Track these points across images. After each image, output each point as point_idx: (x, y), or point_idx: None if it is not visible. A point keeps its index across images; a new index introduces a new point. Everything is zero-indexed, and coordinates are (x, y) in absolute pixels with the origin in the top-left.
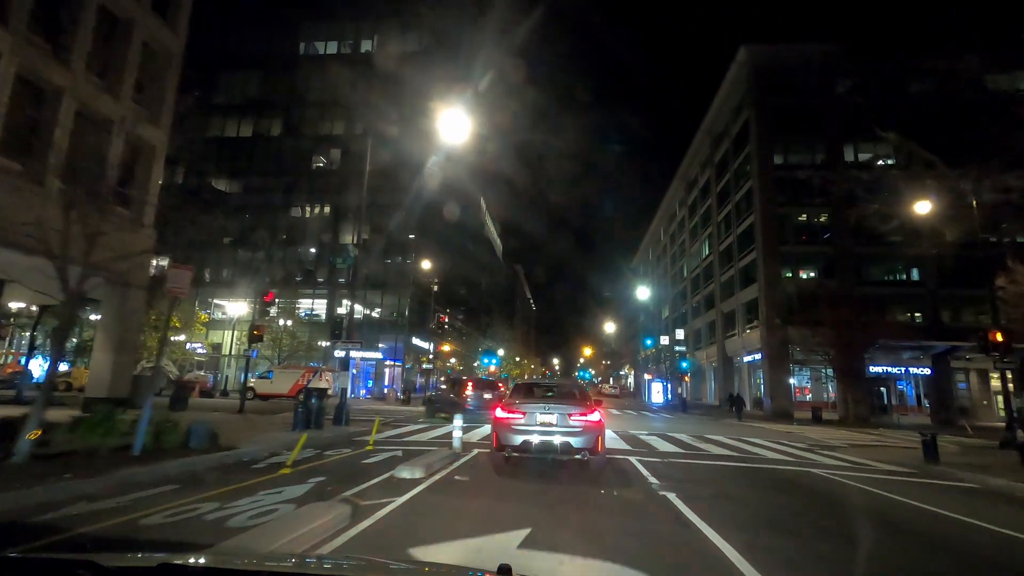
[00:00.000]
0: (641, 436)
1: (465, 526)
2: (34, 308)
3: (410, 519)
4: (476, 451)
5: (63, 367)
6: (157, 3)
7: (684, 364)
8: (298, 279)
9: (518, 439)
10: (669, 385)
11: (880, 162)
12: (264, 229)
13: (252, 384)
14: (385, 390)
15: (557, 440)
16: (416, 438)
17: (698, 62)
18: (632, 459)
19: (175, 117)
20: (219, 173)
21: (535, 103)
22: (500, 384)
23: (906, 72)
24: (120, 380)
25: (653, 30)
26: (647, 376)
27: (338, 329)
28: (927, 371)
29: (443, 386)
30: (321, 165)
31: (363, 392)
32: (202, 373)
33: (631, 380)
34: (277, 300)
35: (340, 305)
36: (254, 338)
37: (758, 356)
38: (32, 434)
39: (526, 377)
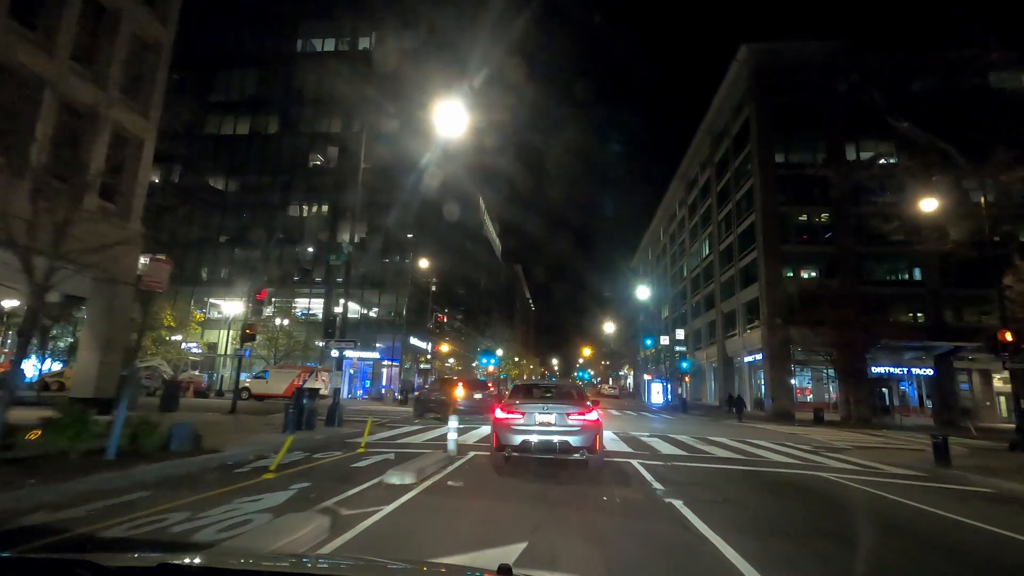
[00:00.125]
0: (642, 438)
1: (455, 540)
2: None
3: (395, 532)
4: (472, 454)
5: (56, 367)
6: None
7: (684, 364)
8: (296, 278)
9: (518, 439)
10: (669, 385)
11: (882, 160)
12: (261, 227)
13: (247, 384)
14: (382, 390)
15: (556, 439)
16: (410, 440)
17: (698, 61)
18: (634, 462)
19: (167, 111)
20: (215, 171)
21: (534, 102)
22: (490, 384)
23: (908, 70)
24: (107, 380)
25: (653, 30)
26: (647, 376)
27: (331, 328)
28: (929, 372)
29: (432, 386)
30: (318, 163)
31: (360, 392)
32: (197, 373)
33: (630, 380)
34: (274, 300)
35: (337, 304)
36: (246, 337)
37: (759, 356)
38: None
39: (525, 377)
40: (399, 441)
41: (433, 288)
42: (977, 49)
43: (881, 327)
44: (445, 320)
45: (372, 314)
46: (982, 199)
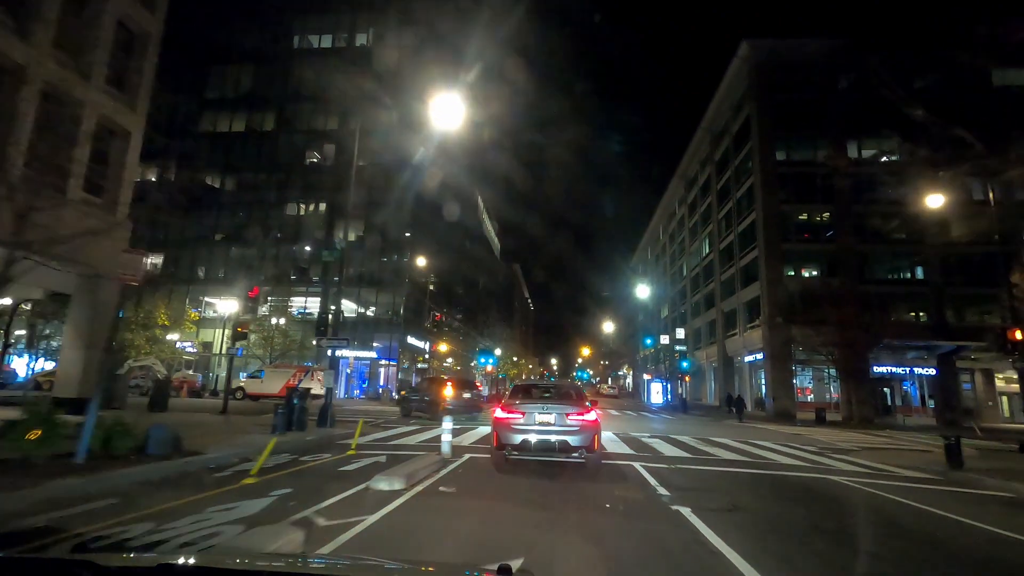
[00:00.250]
0: (643, 439)
1: (443, 554)
2: (8, 302)
3: (377, 545)
4: (468, 456)
5: (49, 366)
6: None
7: (685, 364)
8: (293, 277)
9: (518, 438)
10: (668, 385)
11: (884, 158)
12: (257, 226)
13: (242, 384)
14: (379, 390)
15: (556, 439)
16: (404, 441)
17: (698, 60)
18: (636, 465)
19: (162, 105)
20: (211, 168)
21: (533, 101)
22: (479, 384)
23: (910, 67)
24: (91, 379)
25: (652, 28)
26: (646, 376)
27: (323, 325)
28: (932, 371)
29: (419, 384)
30: (315, 161)
31: (358, 392)
32: (191, 373)
33: (629, 380)
34: (270, 298)
35: (332, 302)
36: (238, 335)
37: (759, 356)
38: None
39: (523, 377)
40: (393, 443)
41: (431, 287)
42: (981, 45)
43: (883, 326)
44: (443, 319)
45: (369, 313)
46: (990, 195)
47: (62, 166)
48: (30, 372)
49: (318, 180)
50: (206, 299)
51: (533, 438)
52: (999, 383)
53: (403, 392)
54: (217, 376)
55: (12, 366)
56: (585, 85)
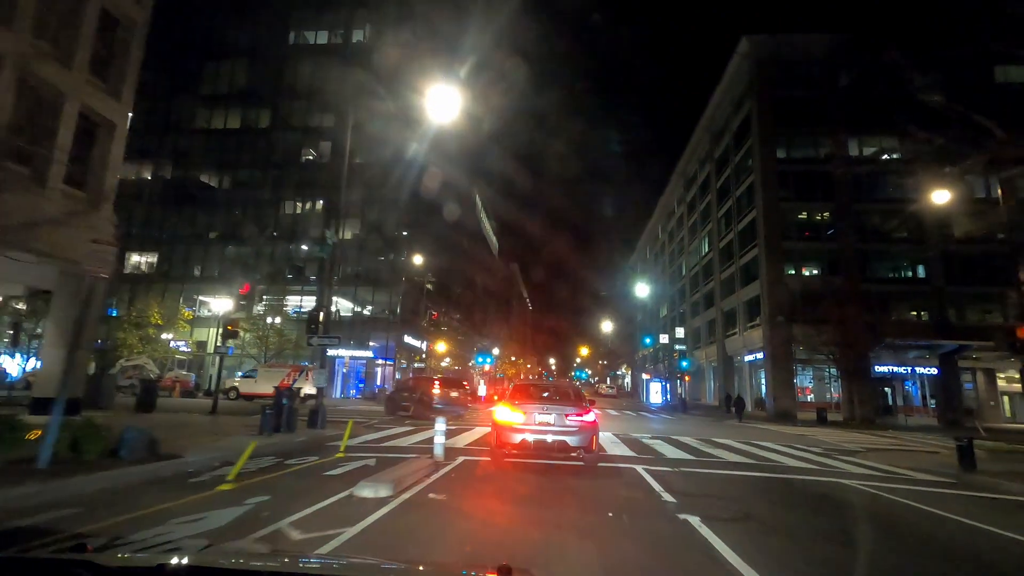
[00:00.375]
0: (644, 440)
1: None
2: None
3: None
4: (461, 459)
5: (38, 365)
6: None
7: (685, 363)
8: (289, 276)
9: (518, 438)
10: (668, 385)
11: (885, 156)
12: (252, 223)
13: (236, 383)
14: (376, 390)
15: (555, 439)
16: (396, 443)
17: (697, 58)
18: (638, 468)
19: (154, 100)
20: (205, 165)
21: (532, 100)
22: (467, 383)
23: (912, 64)
24: (75, 379)
25: (652, 27)
26: (645, 376)
27: (315, 323)
28: (933, 371)
29: (405, 383)
30: (311, 158)
31: (354, 392)
32: (184, 372)
33: (628, 380)
34: (265, 297)
35: (330, 302)
36: (228, 334)
37: (760, 355)
38: None
39: (522, 377)
40: (384, 444)
41: (428, 286)
42: (983, 42)
43: (884, 325)
44: (441, 318)
45: (366, 312)
46: (998, 191)
47: (40, 155)
48: (22, 372)
49: (314, 177)
50: (200, 298)
51: (533, 438)
52: (1001, 383)
53: (389, 391)
54: (211, 376)
55: (3, 366)
56: (584, 84)
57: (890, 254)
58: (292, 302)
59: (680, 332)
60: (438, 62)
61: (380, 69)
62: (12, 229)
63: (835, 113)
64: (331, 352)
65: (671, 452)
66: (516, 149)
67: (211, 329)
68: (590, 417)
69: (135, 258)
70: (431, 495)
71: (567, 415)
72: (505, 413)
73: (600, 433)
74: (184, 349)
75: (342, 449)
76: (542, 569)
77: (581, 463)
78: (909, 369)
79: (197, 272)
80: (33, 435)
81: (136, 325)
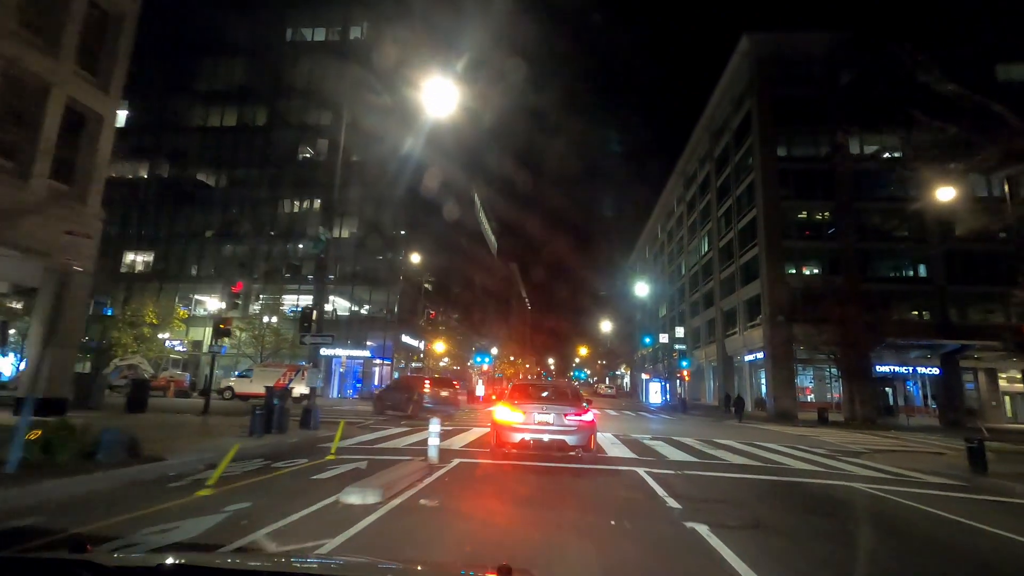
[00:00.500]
0: (645, 441)
1: None
2: None
3: None
4: (457, 461)
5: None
6: None
7: (685, 362)
8: (287, 275)
9: (518, 437)
10: (667, 385)
11: (887, 154)
12: (248, 222)
13: (231, 383)
14: (373, 390)
15: (554, 438)
16: (390, 445)
17: (697, 58)
18: (640, 471)
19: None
20: (201, 163)
21: (532, 99)
22: (456, 382)
23: (914, 61)
24: (58, 379)
25: (652, 27)
26: (644, 376)
27: (308, 321)
28: (935, 371)
29: (393, 382)
30: (308, 156)
31: (351, 392)
32: (179, 372)
33: (627, 380)
34: (262, 296)
35: (324, 300)
36: (220, 332)
37: (760, 355)
38: None
39: (520, 376)
40: (378, 446)
41: (427, 286)
42: (985, 40)
43: (886, 325)
44: (439, 318)
45: (363, 311)
46: (1005, 188)
47: (24, 148)
48: (15, 371)
49: (311, 176)
50: (196, 297)
51: (533, 437)
52: (1002, 383)
53: (376, 391)
54: (206, 375)
55: None
56: (583, 83)
57: (891, 253)
58: (289, 301)
59: (680, 332)
60: (436, 60)
61: (378, 66)
62: None
63: (836, 111)
64: (328, 352)
65: (673, 454)
66: (515, 149)
67: (207, 328)
68: (588, 417)
69: (130, 257)
70: (422, 501)
71: (566, 415)
72: (505, 413)
73: (599, 434)
74: (180, 349)
75: (333, 451)
76: (543, 570)
77: (581, 465)
78: (910, 369)
79: (193, 271)
80: (33, 435)
81: (131, 324)
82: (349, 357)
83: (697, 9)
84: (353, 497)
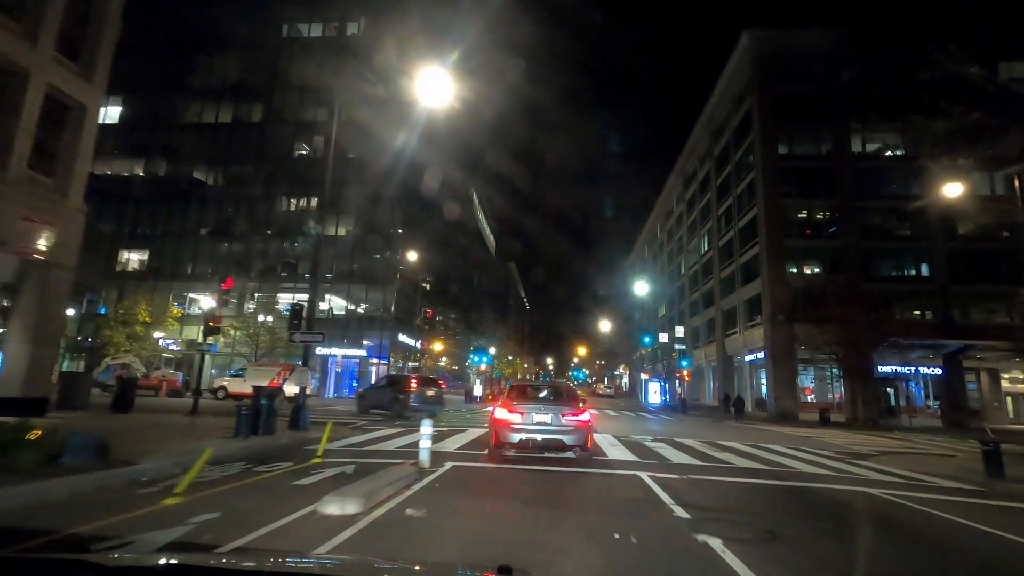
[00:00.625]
0: (646, 442)
1: None
2: None
3: None
4: (450, 464)
5: None
6: None
7: (685, 362)
8: (284, 274)
9: (516, 437)
10: (666, 385)
11: (888, 153)
12: (243, 220)
13: (225, 383)
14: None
15: (552, 438)
16: (381, 447)
17: (696, 58)
18: (643, 475)
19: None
20: (196, 160)
21: (531, 98)
22: (442, 381)
23: (915, 58)
24: (38, 378)
25: (651, 27)
26: (643, 376)
27: (297, 318)
28: (937, 371)
29: (378, 381)
30: (304, 153)
31: (347, 392)
32: (172, 371)
33: (626, 380)
34: (257, 294)
35: (317, 296)
36: (209, 330)
37: (760, 355)
38: None
39: (519, 376)
40: (368, 448)
41: (424, 284)
42: (988, 37)
43: (888, 324)
44: (437, 317)
45: (360, 310)
46: (1016, 184)
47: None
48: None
49: (307, 173)
50: (191, 295)
51: (531, 437)
52: (1004, 383)
53: (361, 390)
54: (200, 374)
55: None
56: (583, 82)
57: (893, 252)
58: (285, 300)
59: (680, 331)
60: (434, 57)
61: (375, 63)
62: None
63: (838, 108)
64: (324, 351)
65: (676, 456)
66: (513, 148)
67: (201, 327)
68: (584, 417)
69: (124, 255)
70: (408, 511)
71: (563, 415)
72: (504, 413)
73: (599, 435)
74: (174, 348)
75: (319, 454)
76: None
77: (581, 469)
78: (913, 369)
79: (188, 269)
80: (33, 435)
81: (123, 323)
82: (345, 356)
83: (697, 7)
84: (332, 507)
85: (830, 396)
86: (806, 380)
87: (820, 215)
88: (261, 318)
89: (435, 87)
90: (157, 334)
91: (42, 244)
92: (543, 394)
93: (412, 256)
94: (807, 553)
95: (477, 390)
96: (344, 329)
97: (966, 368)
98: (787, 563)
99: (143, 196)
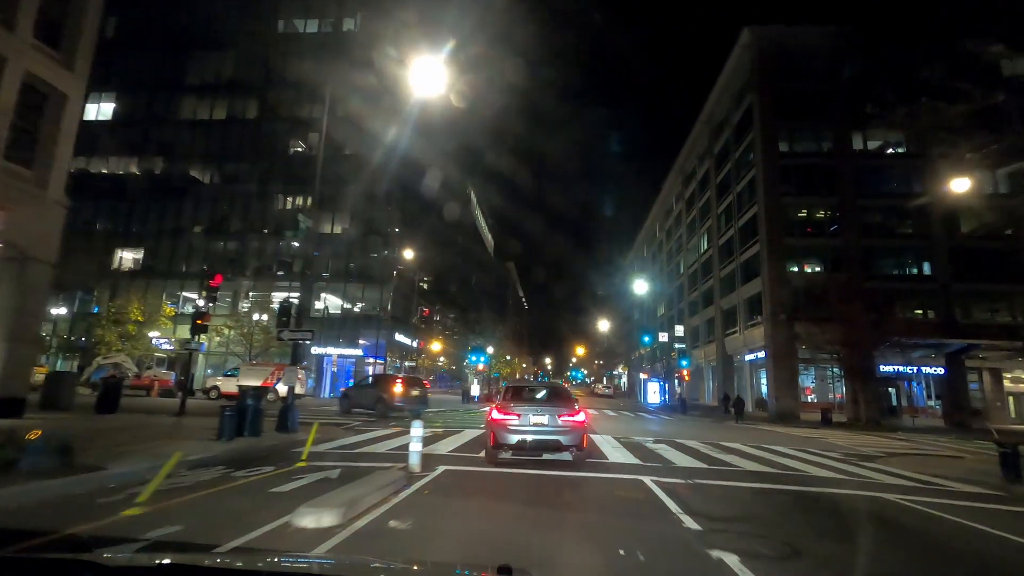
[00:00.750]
0: (647, 444)
1: None
2: None
3: None
4: (441, 468)
5: None
6: None
7: (684, 362)
8: (280, 273)
9: (514, 438)
10: (666, 385)
11: (890, 150)
12: (238, 218)
13: (218, 382)
14: None
15: (549, 438)
16: (371, 449)
17: (696, 57)
18: (646, 480)
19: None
20: (190, 157)
21: (530, 97)
22: (426, 382)
23: (917, 56)
24: (17, 376)
25: (651, 26)
26: (642, 376)
27: (285, 315)
28: (940, 370)
29: (363, 381)
30: (299, 150)
31: (343, 391)
32: (164, 371)
33: (624, 380)
34: (251, 293)
35: (310, 292)
36: (197, 328)
37: (761, 354)
38: None
39: (517, 376)
40: (357, 450)
41: (421, 284)
42: (989, 34)
43: (890, 324)
44: (433, 316)
45: (356, 309)
46: None
47: None
48: None
49: (303, 171)
50: (184, 294)
51: (529, 438)
52: (1007, 383)
53: (344, 389)
54: (193, 374)
55: None
56: (583, 81)
57: (895, 250)
58: (279, 299)
59: (679, 330)
60: (431, 54)
61: (372, 60)
62: None
63: (839, 105)
64: (319, 350)
65: (680, 459)
66: (512, 147)
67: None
68: (580, 417)
69: (118, 253)
70: (391, 523)
71: (560, 415)
72: (501, 414)
73: (598, 436)
74: (167, 347)
75: (304, 457)
76: None
77: (580, 474)
78: (915, 369)
79: (182, 268)
80: (34, 435)
81: (115, 322)
82: (341, 356)
83: (697, 6)
84: (307, 519)
85: (831, 396)
86: (807, 380)
87: (821, 213)
88: (255, 317)
89: (430, 76)
90: (150, 333)
91: (18, 237)
92: (540, 395)
93: (409, 255)
94: (835, 572)
95: (475, 390)
96: (340, 328)
97: (968, 368)
98: None
99: (136, 193)
